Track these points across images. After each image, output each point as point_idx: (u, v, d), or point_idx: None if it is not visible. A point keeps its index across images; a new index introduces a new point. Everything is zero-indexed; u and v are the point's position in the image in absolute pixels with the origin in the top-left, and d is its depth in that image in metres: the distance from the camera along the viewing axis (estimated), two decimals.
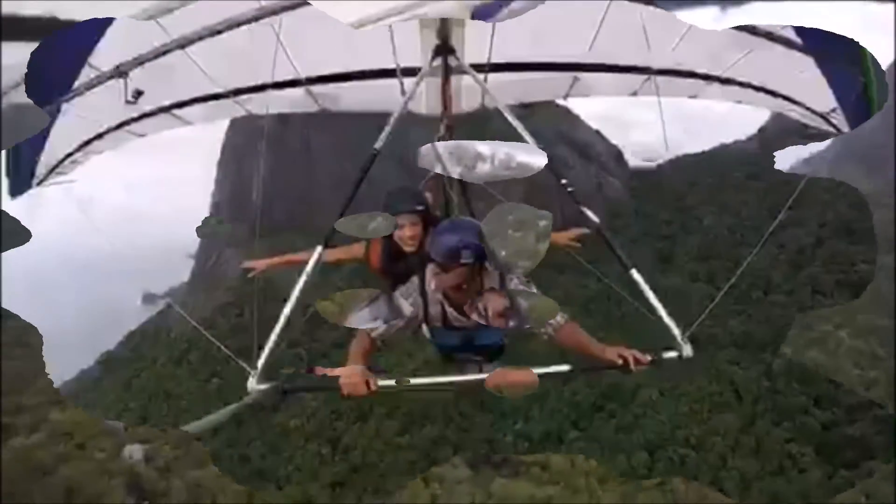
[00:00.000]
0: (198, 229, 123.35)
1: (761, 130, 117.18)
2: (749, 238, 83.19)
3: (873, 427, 53.74)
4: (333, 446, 65.79)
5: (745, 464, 54.20)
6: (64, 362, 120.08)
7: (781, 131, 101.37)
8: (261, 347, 4.18)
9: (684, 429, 58.89)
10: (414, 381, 4.38)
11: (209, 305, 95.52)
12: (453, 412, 65.18)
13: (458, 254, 3.90)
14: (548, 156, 4.30)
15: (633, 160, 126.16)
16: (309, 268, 4.58)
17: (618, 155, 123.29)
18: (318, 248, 4.65)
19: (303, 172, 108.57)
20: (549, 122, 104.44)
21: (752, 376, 63.48)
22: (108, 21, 4.46)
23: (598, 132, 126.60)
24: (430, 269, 4.35)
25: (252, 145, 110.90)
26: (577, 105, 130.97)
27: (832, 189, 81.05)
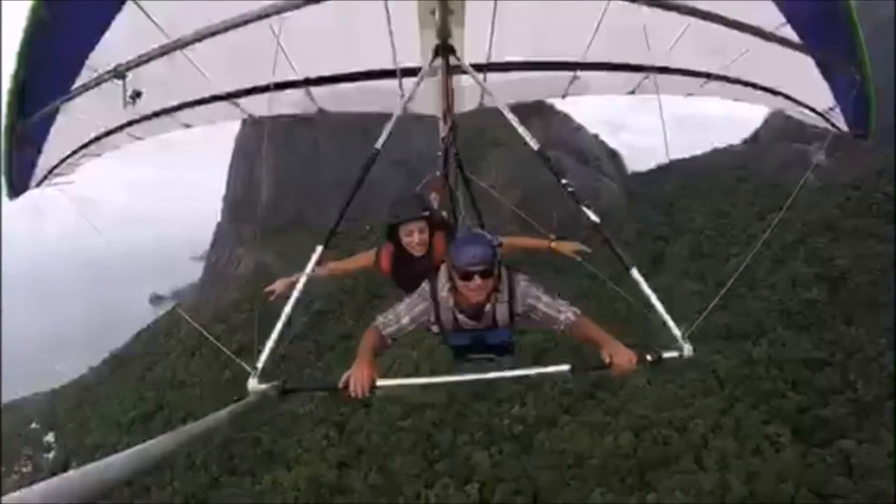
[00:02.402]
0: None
1: (753, 135, 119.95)
2: (738, 238, 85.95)
3: (845, 408, 56.90)
4: (340, 430, 68.75)
5: (724, 444, 56.54)
6: (73, 360, 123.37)
7: (772, 136, 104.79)
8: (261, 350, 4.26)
9: (668, 412, 61.46)
10: (421, 380, 4.85)
11: (221, 302, 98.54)
12: (452, 399, 67.72)
13: (495, 256, 4.18)
14: (547, 156, 4.97)
15: (630, 164, 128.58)
16: (308, 268, 4.64)
17: (615, 158, 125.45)
18: (318, 248, 4.68)
19: (312, 173, 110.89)
20: (546, 127, 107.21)
21: (733, 364, 66.20)
22: (107, 22, 4.37)
23: (596, 136, 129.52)
24: (442, 275, 4.49)
25: (262, 146, 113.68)
26: (577, 110, 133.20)
27: (818, 190, 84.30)
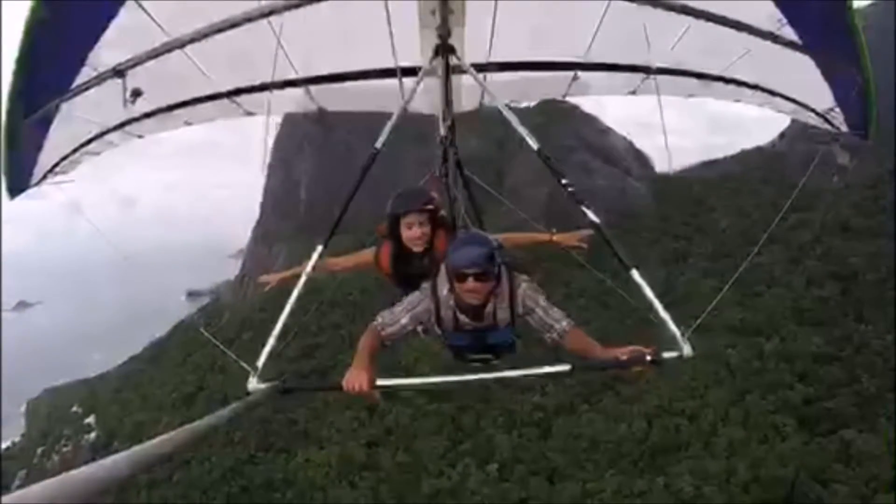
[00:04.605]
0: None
1: (780, 136, 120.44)
2: (759, 238, 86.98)
3: (850, 400, 58.83)
4: (370, 412, 71.62)
5: (733, 432, 58.84)
6: (112, 350, 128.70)
7: (799, 137, 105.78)
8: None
9: (681, 402, 63.94)
10: (422, 380, 4.97)
11: (260, 295, 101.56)
12: (477, 385, 69.28)
13: (493, 260, 4.17)
14: (548, 156, 4.93)
15: (662, 164, 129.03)
16: (309, 267, 4.63)
17: (643, 159, 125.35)
18: (318, 248, 4.66)
19: (346, 173, 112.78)
20: (572, 129, 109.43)
21: (746, 357, 68.27)
22: (107, 20, 4.30)
23: (624, 138, 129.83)
24: (442, 274, 4.46)
25: (299, 148, 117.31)
26: (611, 109, 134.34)
27: (838, 191, 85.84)
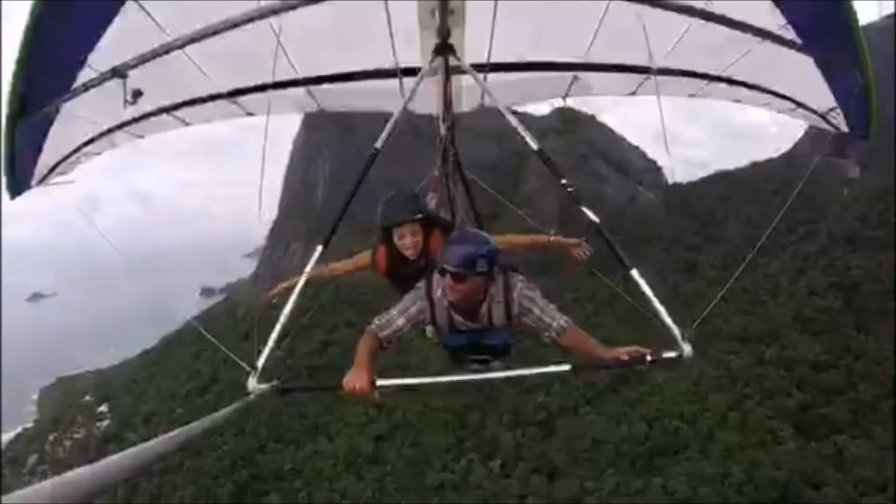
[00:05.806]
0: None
1: (792, 149, 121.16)
2: (768, 248, 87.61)
3: (845, 407, 60.38)
4: (379, 408, 73.37)
5: (729, 436, 60.31)
6: (126, 343, 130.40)
7: (811, 149, 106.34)
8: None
9: (681, 406, 65.48)
10: (421, 380, 4.73)
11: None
12: (484, 384, 70.53)
13: (475, 263, 4.08)
14: (548, 157, 5.05)
15: (677, 175, 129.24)
16: (308, 268, 4.58)
17: (655, 170, 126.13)
18: (319, 248, 4.60)
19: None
20: (586, 137, 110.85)
21: (747, 363, 69.60)
22: (107, 21, 4.24)
23: (637, 148, 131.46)
24: (437, 275, 4.44)
25: (317, 149, 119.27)
26: (627, 120, 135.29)
27: (846, 203, 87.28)
